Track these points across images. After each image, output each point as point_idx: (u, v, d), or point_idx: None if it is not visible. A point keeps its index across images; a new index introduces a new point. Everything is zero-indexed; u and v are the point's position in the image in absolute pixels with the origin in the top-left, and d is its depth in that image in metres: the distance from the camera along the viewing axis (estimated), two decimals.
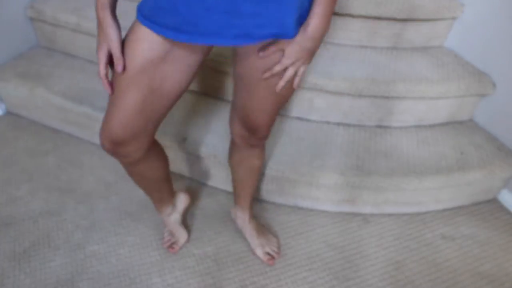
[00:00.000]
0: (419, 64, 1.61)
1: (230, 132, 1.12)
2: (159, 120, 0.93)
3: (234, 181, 1.30)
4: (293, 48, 0.82)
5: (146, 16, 0.78)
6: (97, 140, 1.72)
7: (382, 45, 1.69)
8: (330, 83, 1.48)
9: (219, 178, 1.56)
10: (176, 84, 0.87)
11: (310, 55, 0.84)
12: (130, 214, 1.47)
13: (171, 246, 1.36)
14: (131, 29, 0.83)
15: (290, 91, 0.94)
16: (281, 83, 0.87)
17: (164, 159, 1.12)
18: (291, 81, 0.89)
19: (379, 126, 1.63)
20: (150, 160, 1.03)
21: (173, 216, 1.33)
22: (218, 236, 1.43)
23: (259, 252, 1.36)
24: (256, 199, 1.55)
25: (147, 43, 0.80)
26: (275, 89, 0.90)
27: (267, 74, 0.86)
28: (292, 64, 0.84)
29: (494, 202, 1.63)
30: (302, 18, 0.80)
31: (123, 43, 0.83)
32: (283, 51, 0.83)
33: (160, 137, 1.50)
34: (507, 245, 1.47)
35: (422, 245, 1.45)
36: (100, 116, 1.57)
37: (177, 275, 1.30)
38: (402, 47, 1.70)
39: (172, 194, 1.29)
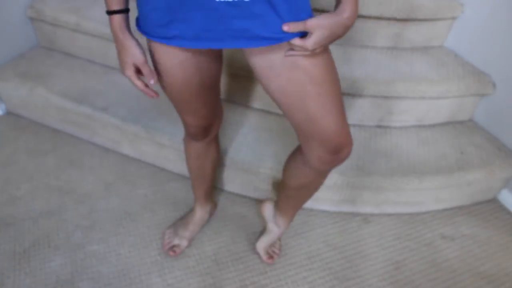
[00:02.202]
0: (419, 64, 1.61)
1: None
2: (218, 92, 1.04)
3: (287, 188, 1.18)
4: (323, 34, 0.75)
5: (158, 34, 0.81)
6: (97, 140, 1.72)
7: (382, 45, 1.69)
8: None
9: (219, 178, 1.56)
10: (212, 67, 0.94)
11: (336, 39, 0.79)
12: (130, 214, 1.47)
13: (171, 249, 1.35)
14: (150, 52, 0.89)
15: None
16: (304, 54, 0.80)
17: (219, 150, 1.29)
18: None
19: (379, 126, 1.63)
20: (215, 143, 1.22)
21: (204, 211, 1.40)
22: (218, 236, 1.43)
23: (261, 249, 1.33)
24: (256, 199, 1.55)
25: (170, 55, 0.86)
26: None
27: (289, 53, 0.79)
28: (320, 47, 0.78)
29: (494, 202, 1.63)
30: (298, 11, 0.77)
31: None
32: (311, 35, 0.76)
33: (161, 136, 1.51)
34: (507, 245, 1.47)
35: (422, 245, 1.45)
36: (100, 116, 1.58)
37: (177, 275, 1.30)
38: (402, 47, 1.70)
39: (210, 194, 1.41)
